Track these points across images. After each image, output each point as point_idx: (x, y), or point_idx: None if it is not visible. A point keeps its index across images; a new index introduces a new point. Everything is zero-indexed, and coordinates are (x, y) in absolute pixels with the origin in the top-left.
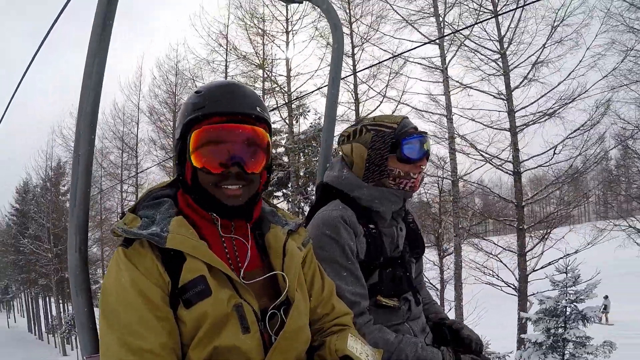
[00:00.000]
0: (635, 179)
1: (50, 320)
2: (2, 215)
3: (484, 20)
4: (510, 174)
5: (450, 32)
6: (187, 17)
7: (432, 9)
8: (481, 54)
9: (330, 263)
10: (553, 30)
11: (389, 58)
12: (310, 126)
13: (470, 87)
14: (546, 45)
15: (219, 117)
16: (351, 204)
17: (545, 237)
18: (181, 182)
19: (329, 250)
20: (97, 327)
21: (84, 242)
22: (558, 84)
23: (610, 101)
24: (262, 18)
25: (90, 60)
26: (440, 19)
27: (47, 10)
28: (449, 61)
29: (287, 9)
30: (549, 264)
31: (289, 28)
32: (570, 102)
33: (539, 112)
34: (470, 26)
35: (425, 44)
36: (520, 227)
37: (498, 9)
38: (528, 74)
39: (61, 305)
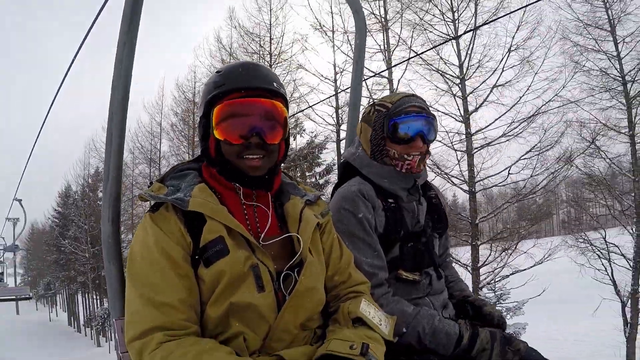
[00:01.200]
0: (596, 198)
1: (87, 314)
2: (46, 218)
3: (440, 44)
4: (466, 192)
5: (396, 63)
6: (193, 50)
7: (381, 45)
8: (447, 79)
9: (348, 236)
10: (508, 54)
11: (335, 94)
12: (306, 143)
13: (437, 110)
14: (504, 69)
15: (238, 93)
16: (370, 180)
17: (505, 251)
18: (205, 155)
19: (347, 223)
20: None
21: (116, 214)
22: (509, 110)
23: (566, 122)
24: (259, 53)
25: (121, 44)
26: (390, 54)
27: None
28: (397, 89)
29: (270, 44)
30: (503, 277)
31: (272, 62)
32: (520, 125)
33: (484, 138)
34: (421, 53)
35: (370, 77)
36: (474, 243)
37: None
38: (487, 97)
39: (97, 300)
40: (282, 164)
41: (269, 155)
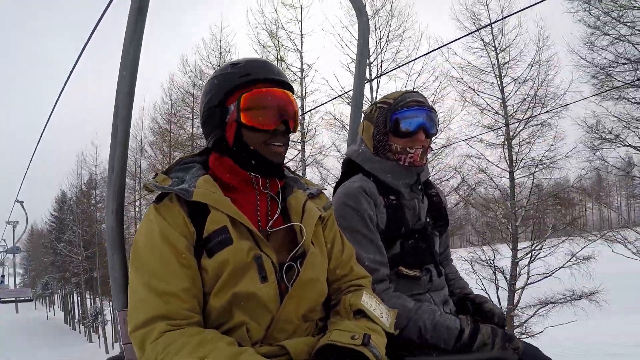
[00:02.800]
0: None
1: (80, 312)
2: (43, 222)
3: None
4: None
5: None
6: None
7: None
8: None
9: (350, 232)
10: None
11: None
12: None
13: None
14: None
15: (262, 84)
16: (373, 177)
17: None
18: (219, 145)
19: (350, 219)
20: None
21: (120, 205)
22: None
23: (465, 156)
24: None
25: (128, 41)
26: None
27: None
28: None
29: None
30: None
31: None
32: None
33: None
34: (340, 95)
35: None
36: None
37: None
38: None
39: (90, 300)
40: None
41: (286, 145)
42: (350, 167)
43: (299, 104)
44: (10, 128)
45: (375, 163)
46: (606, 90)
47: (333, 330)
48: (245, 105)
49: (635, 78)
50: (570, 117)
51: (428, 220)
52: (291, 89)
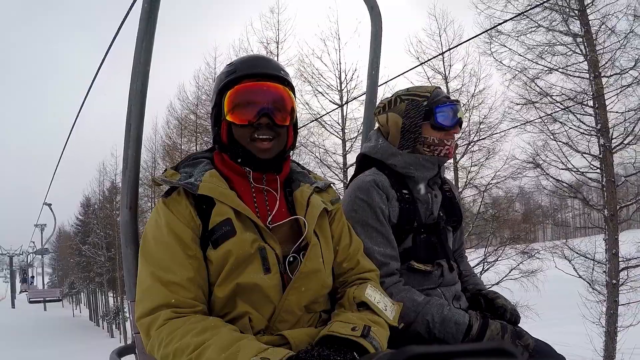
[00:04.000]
0: None
1: (104, 310)
2: (69, 225)
3: (330, 111)
4: None
5: None
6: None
7: None
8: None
9: (362, 225)
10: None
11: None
12: None
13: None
14: None
15: (249, 79)
16: (387, 171)
17: None
18: (217, 142)
19: (361, 212)
20: None
21: (134, 200)
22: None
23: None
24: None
25: (140, 40)
26: None
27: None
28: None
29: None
30: None
31: None
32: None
33: None
34: (316, 119)
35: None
36: None
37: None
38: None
39: (113, 298)
40: (292, 152)
41: (277, 138)
42: (365, 162)
43: None
44: (41, 132)
45: (399, 156)
46: (523, 123)
47: (334, 321)
48: (229, 103)
49: (564, 108)
50: (514, 141)
51: (441, 214)
52: (281, 80)
